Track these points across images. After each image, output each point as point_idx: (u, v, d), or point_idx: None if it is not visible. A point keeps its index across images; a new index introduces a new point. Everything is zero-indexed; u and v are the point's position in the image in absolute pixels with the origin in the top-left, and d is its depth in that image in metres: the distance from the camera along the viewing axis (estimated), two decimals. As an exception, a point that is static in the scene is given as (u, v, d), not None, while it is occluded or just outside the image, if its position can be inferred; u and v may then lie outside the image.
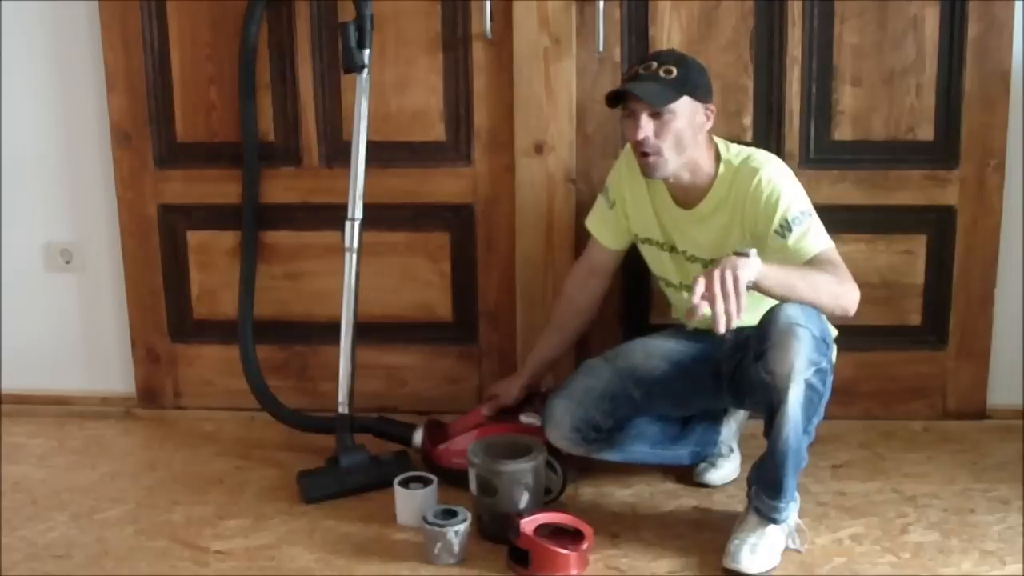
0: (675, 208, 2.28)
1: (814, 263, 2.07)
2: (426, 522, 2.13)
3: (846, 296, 2.04)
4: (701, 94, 2.16)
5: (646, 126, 2.11)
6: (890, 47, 2.59)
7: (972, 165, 2.63)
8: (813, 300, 2.02)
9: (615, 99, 2.15)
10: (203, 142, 2.79)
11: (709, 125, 2.20)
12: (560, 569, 2.06)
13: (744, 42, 2.61)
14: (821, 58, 2.61)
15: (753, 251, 1.95)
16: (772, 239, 2.13)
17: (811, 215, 2.13)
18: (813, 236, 2.10)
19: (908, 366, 2.75)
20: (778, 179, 2.16)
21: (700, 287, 1.89)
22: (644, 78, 2.11)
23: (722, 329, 1.88)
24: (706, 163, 2.22)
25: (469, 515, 2.15)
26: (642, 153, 2.15)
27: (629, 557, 2.15)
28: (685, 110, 2.13)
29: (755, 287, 1.95)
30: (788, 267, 2.05)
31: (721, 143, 2.25)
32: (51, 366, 2.99)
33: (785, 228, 2.11)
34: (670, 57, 2.16)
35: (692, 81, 2.14)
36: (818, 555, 2.14)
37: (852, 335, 2.45)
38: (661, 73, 2.11)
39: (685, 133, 2.14)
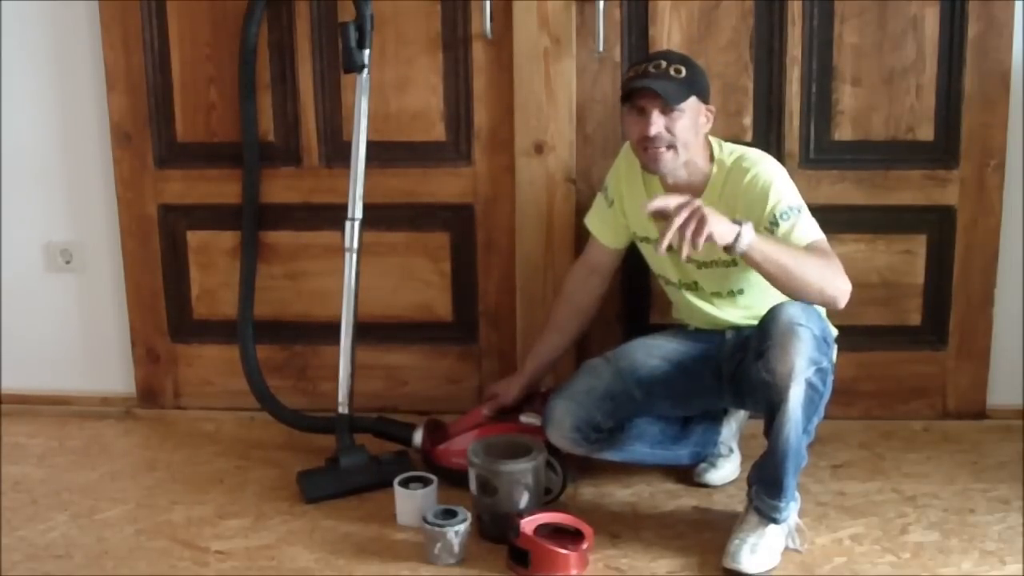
0: (671, 209, 2.28)
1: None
2: (426, 522, 2.13)
3: (835, 285, 2.04)
4: (704, 95, 2.20)
5: (658, 121, 2.13)
6: (890, 47, 2.59)
7: (972, 165, 2.63)
8: (802, 282, 2.02)
9: (627, 94, 2.17)
10: (203, 142, 2.79)
11: (708, 127, 2.23)
12: (560, 569, 2.06)
13: (744, 42, 2.61)
14: (821, 58, 2.61)
15: (748, 224, 1.96)
16: (761, 234, 2.13)
17: (800, 211, 2.13)
18: (800, 231, 2.10)
19: (908, 366, 2.75)
20: (768, 177, 2.17)
21: (669, 204, 1.94)
22: (657, 76, 2.13)
23: (662, 249, 1.93)
24: (702, 163, 2.23)
25: (469, 515, 2.15)
26: (650, 148, 2.16)
27: (629, 557, 2.15)
28: (691, 109, 2.16)
29: (744, 258, 1.97)
30: (782, 247, 2.04)
31: (715, 143, 2.26)
32: (51, 366, 2.99)
33: (773, 223, 2.11)
34: (676, 57, 2.19)
35: (698, 82, 2.18)
36: (818, 555, 2.14)
37: (852, 335, 2.46)
38: (671, 72, 2.14)
39: (689, 132, 2.17)
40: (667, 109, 2.13)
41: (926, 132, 2.63)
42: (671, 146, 2.15)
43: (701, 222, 1.90)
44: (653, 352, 2.36)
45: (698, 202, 1.94)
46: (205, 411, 2.92)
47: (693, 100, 2.16)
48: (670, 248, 1.94)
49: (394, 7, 2.65)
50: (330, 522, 2.32)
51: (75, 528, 2.31)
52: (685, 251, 1.92)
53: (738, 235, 1.95)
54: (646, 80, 2.13)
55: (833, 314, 2.24)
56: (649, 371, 2.31)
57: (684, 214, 1.91)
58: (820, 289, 2.05)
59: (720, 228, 1.93)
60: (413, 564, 2.13)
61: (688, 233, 1.91)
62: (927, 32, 2.58)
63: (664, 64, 2.15)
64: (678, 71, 2.14)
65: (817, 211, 2.16)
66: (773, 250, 2.00)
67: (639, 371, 2.31)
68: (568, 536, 2.11)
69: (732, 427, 2.49)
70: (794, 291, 2.04)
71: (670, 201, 1.96)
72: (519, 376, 2.50)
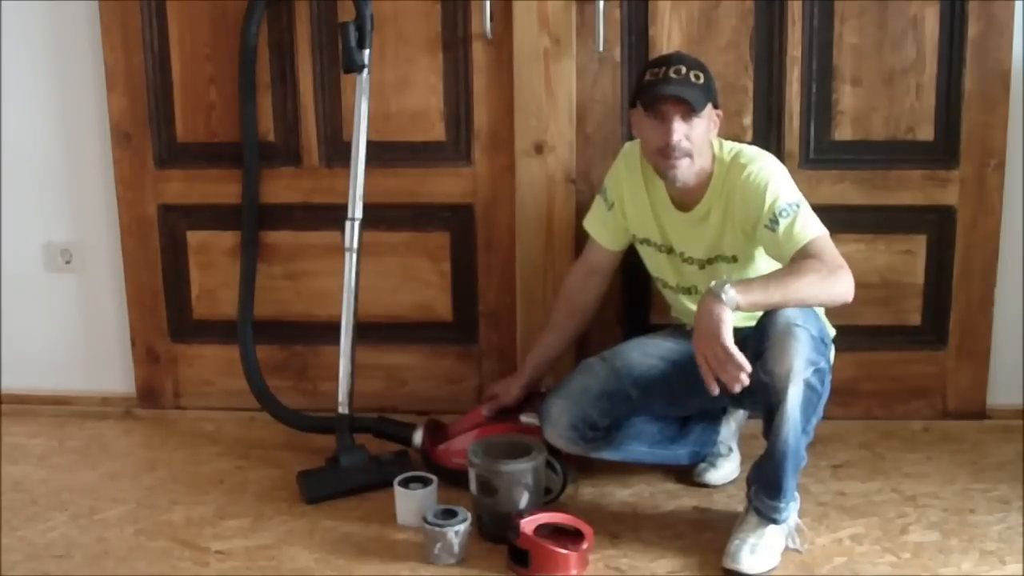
0: (673, 210, 2.29)
1: (803, 254, 2.07)
2: (426, 522, 2.13)
3: (835, 292, 2.04)
4: (716, 100, 2.20)
5: (679, 129, 2.12)
6: (890, 47, 2.59)
7: (972, 165, 2.63)
8: (802, 303, 2.04)
9: (649, 100, 2.15)
10: (203, 142, 2.79)
11: (716, 131, 2.22)
12: (560, 569, 2.06)
13: (744, 42, 2.61)
14: (821, 58, 2.61)
15: (726, 284, 1.97)
16: (762, 233, 2.14)
17: (799, 206, 2.12)
18: (801, 226, 2.09)
19: (908, 366, 2.75)
20: (765, 173, 2.16)
21: (703, 369, 1.98)
22: (680, 83, 2.11)
23: (737, 389, 1.96)
24: (707, 165, 2.23)
25: (469, 515, 2.15)
26: (671, 156, 2.14)
27: (629, 557, 2.15)
28: (707, 116, 2.16)
29: (739, 309, 1.99)
30: (769, 281, 2.05)
31: (716, 142, 2.26)
32: (51, 366, 2.99)
33: (773, 222, 2.11)
34: (694, 63, 2.16)
35: (713, 88, 2.18)
36: (818, 555, 2.14)
37: (852, 335, 2.46)
38: (692, 78, 2.12)
39: (704, 138, 2.17)
40: (688, 116, 2.12)
41: (926, 132, 2.63)
42: (688, 154, 2.15)
43: (724, 354, 1.93)
44: (649, 351, 2.36)
45: (700, 352, 1.98)
46: (205, 411, 2.92)
47: (709, 107, 2.16)
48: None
49: (394, 7, 2.65)
50: (330, 522, 2.32)
51: (75, 528, 2.31)
52: (739, 387, 1.95)
53: (726, 301, 1.96)
54: (670, 87, 2.11)
55: (833, 314, 2.25)
56: (645, 370, 2.31)
57: (715, 366, 1.96)
58: (823, 302, 2.08)
59: (725, 329, 1.94)
60: (413, 564, 2.14)
61: (733, 370, 1.94)
62: (927, 32, 2.58)
63: (684, 70, 2.12)
64: (697, 77, 2.13)
65: (817, 211, 2.16)
66: (763, 295, 2.01)
67: (635, 370, 2.31)
68: (568, 536, 2.11)
69: (731, 427, 2.49)
70: (799, 308, 2.05)
71: (704, 372, 1.98)
72: (519, 376, 2.51)
